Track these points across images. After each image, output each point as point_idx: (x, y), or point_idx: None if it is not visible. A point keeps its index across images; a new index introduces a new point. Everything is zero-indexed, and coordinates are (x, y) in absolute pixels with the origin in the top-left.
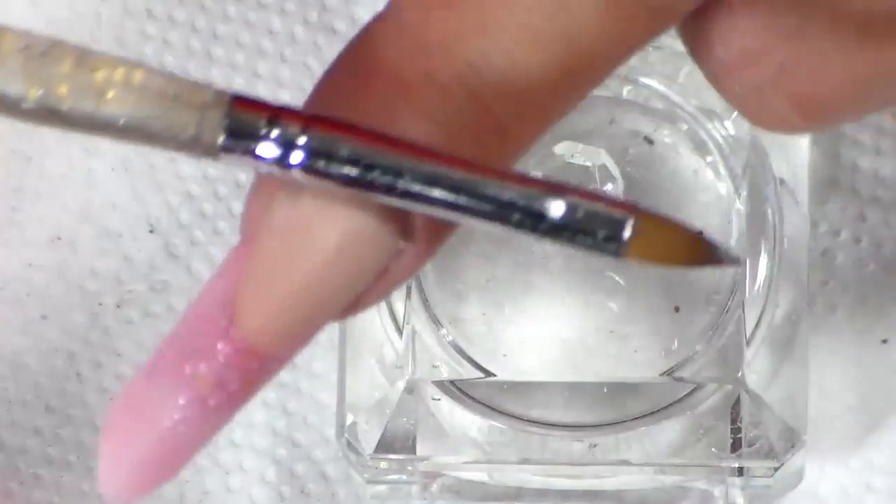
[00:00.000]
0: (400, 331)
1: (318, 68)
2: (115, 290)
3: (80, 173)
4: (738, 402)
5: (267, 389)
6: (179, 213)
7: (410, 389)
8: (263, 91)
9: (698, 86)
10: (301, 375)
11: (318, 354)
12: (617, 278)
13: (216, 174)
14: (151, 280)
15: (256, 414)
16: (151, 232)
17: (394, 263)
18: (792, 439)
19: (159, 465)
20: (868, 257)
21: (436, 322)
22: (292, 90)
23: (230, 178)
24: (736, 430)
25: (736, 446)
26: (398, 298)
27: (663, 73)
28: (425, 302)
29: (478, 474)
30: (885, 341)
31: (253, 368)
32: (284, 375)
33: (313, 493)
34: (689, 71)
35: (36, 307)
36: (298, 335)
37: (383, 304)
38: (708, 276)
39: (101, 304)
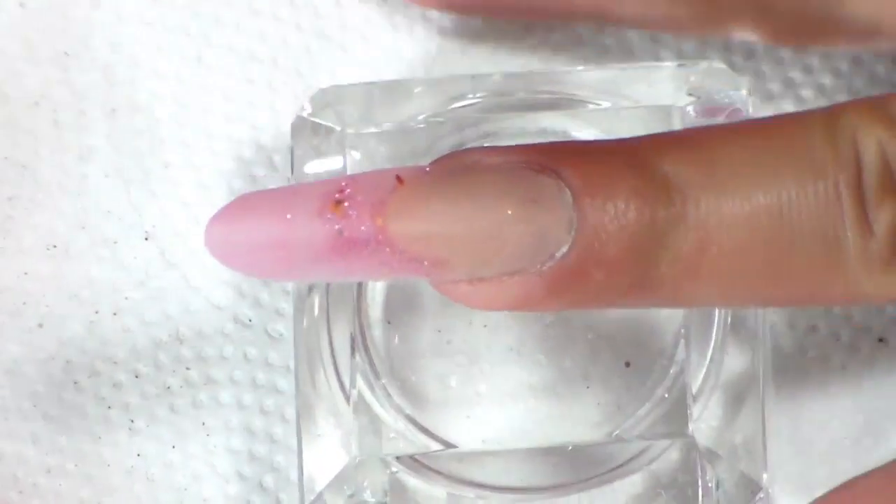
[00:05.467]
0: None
1: (311, 74)
2: (111, 298)
3: (74, 180)
4: (692, 456)
5: (265, 395)
6: (175, 220)
7: (367, 463)
8: (258, 95)
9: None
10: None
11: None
12: (553, 339)
13: (211, 182)
14: (147, 288)
15: (255, 421)
16: (147, 239)
17: None
18: (751, 488)
19: (273, 255)
20: None
21: (385, 393)
22: (284, 96)
23: (224, 185)
24: (694, 484)
25: (696, 500)
26: (345, 372)
27: None
28: (375, 374)
29: None
30: (881, 340)
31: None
32: (282, 383)
33: None
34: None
35: (32, 316)
36: None
37: (333, 378)
38: (656, 330)
39: (97, 313)
